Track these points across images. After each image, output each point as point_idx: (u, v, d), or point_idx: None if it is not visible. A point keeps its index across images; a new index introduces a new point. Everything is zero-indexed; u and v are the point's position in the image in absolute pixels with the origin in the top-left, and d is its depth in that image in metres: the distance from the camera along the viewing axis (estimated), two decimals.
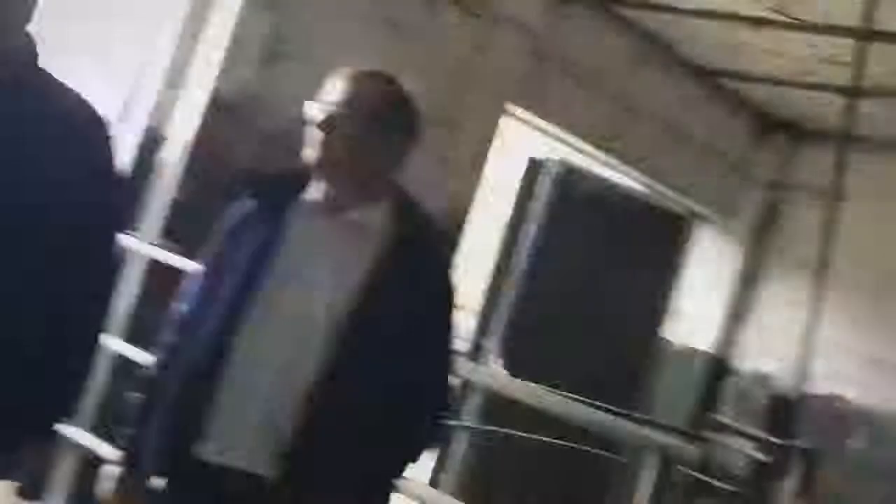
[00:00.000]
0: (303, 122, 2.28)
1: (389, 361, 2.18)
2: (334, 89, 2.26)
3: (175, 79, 4.98)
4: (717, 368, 7.10)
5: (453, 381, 2.47)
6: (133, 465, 2.34)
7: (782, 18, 5.34)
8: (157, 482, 2.32)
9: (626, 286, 7.18)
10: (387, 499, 2.39)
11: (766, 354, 7.07)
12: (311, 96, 2.30)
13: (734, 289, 7.60)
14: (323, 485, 2.16)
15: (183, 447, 2.20)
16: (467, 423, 6.68)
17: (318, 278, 2.22)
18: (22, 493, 4.75)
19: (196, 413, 2.20)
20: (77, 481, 4.62)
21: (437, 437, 2.43)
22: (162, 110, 4.98)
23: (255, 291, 2.23)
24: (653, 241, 7.45)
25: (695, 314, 7.64)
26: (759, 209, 7.57)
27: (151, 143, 4.97)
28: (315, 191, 2.29)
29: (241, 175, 2.44)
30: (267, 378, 2.19)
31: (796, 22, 5.25)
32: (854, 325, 6.73)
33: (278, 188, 2.35)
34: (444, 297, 2.38)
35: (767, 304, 7.32)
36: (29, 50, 2.16)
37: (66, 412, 2.41)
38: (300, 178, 2.32)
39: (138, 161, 4.93)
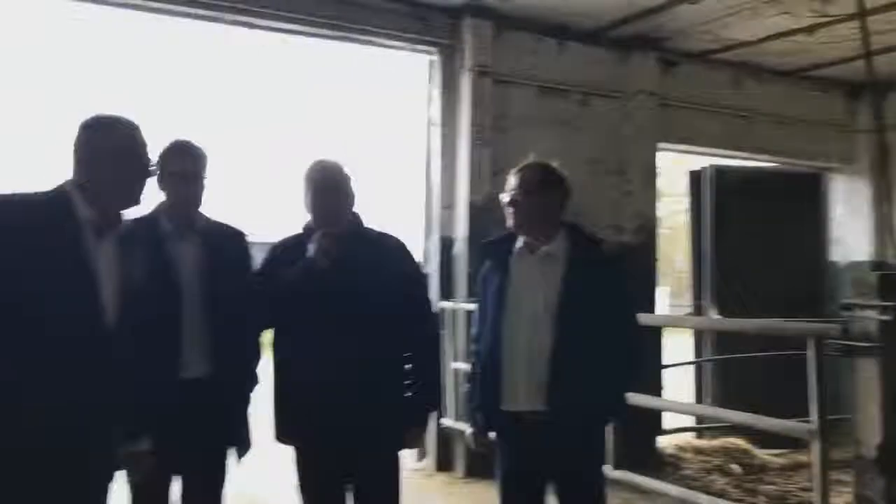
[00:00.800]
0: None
1: (591, 324, 2.30)
2: (511, 181, 2.46)
3: (446, 201, 5.28)
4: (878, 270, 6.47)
5: (637, 326, 2.52)
6: (476, 426, 2.57)
7: (826, 19, 5.01)
8: (490, 433, 2.55)
9: (792, 233, 6.76)
10: (623, 409, 2.48)
11: None
12: None
13: (872, 212, 6.86)
14: (572, 408, 2.30)
15: (495, 407, 2.41)
16: (709, 358, 6.53)
17: (535, 290, 2.39)
18: (439, 467, 5.20)
19: (495, 384, 2.40)
20: (467, 452, 4.90)
21: (642, 364, 2.52)
22: (445, 223, 5.30)
23: (504, 307, 2.41)
24: (800, 197, 6.95)
25: (850, 238, 6.99)
26: (871, 150, 6.76)
27: (447, 242, 5.28)
28: (520, 242, 2.48)
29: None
30: (525, 353, 2.36)
31: (835, 17, 4.90)
32: None
33: (501, 246, 2.52)
34: (612, 276, 2.46)
35: None
36: (357, 219, 2.55)
37: (434, 410, 2.67)
38: (512, 237, 2.51)
39: (442, 255, 5.25)
